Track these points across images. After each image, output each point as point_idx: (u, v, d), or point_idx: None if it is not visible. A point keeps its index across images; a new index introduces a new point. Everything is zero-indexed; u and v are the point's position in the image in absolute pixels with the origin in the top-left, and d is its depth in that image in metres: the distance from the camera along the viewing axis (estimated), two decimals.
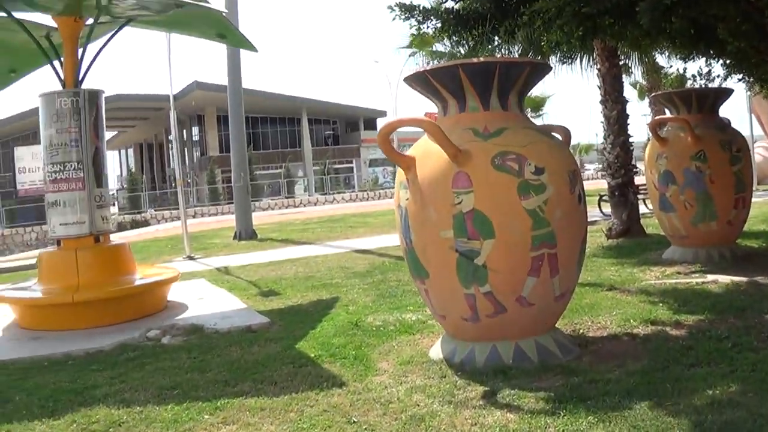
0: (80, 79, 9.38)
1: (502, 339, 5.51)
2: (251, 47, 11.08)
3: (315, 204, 45.72)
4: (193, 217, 40.00)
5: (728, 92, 10.22)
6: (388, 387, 5.22)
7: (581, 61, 15.62)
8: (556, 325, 6.02)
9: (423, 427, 4.39)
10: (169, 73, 18.92)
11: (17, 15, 9.11)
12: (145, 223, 38.91)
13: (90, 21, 9.36)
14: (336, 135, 67.88)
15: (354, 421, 4.60)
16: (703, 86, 11.40)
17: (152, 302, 9.19)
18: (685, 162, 9.54)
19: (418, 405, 4.77)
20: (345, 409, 4.85)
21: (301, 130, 64.48)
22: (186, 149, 67.60)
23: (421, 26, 10.70)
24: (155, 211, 45.05)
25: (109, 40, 9.87)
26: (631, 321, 6.64)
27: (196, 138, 66.05)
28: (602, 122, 13.31)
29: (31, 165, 34.45)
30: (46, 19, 9.64)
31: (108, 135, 75.81)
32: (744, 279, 8.11)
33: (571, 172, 5.51)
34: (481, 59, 5.79)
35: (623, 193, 13.00)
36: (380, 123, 67.31)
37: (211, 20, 10.12)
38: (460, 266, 5.33)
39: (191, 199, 54.16)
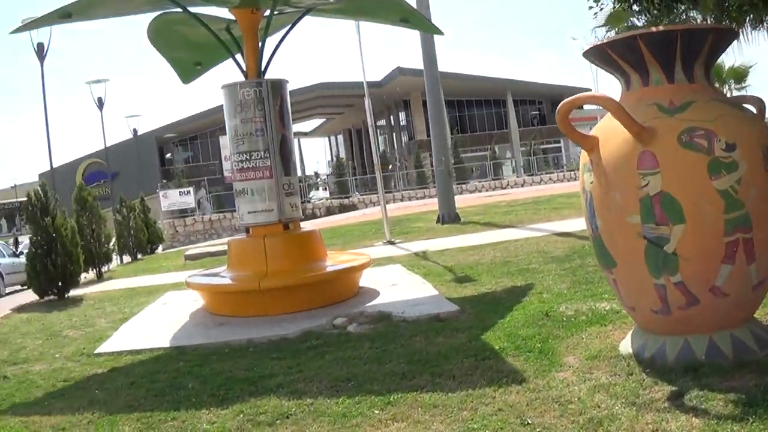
0: (263, 69, 9.66)
1: (694, 333, 5.01)
2: (436, 30, 10.97)
3: (522, 185, 44.94)
4: (401, 200, 40.81)
5: None
6: (570, 385, 4.93)
7: None
8: (754, 316, 5.39)
9: None
10: (360, 60, 19.20)
11: (197, 9, 9.51)
12: (353, 207, 40.07)
13: (267, 12, 9.59)
14: (542, 115, 66.38)
15: (528, 423, 4.38)
16: None
17: (342, 289, 9.36)
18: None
19: (599, 406, 4.44)
20: (521, 408, 4.62)
21: (507, 111, 63.74)
22: (394, 134, 69.10)
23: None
24: (361, 195, 46.19)
25: (290, 29, 10.14)
26: None
27: (403, 123, 67.22)
28: None
29: None
30: (225, 13, 10.00)
31: (316, 122, 79.90)
32: None
33: (765, 147, 4.87)
34: (661, 28, 5.26)
35: None
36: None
37: (392, 5, 10.07)
38: (648, 254, 4.90)
39: (398, 184, 55.21)
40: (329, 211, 39.93)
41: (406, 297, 9.03)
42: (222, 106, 9.77)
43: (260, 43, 9.69)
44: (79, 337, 9.11)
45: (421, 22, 11.08)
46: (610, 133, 5.08)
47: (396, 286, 9.94)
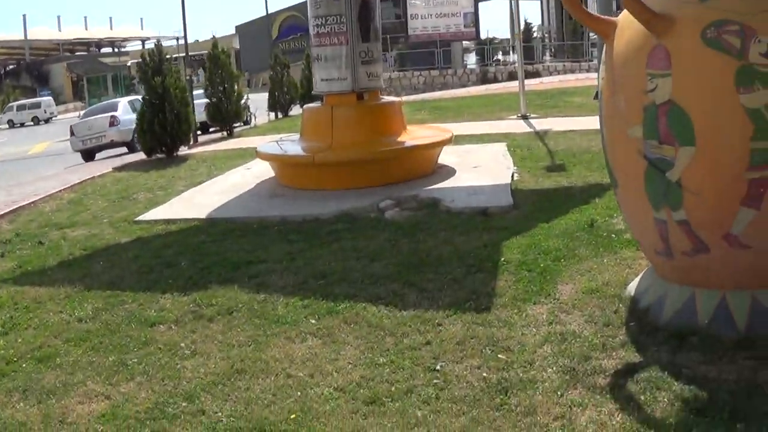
0: None
1: (704, 286, 3.90)
2: None
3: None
4: (587, 71, 38.16)
5: None
6: (528, 326, 4.09)
7: None
8: None
9: (499, 401, 3.25)
10: None
11: None
12: (536, 74, 37.94)
13: None
14: None
15: (434, 369, 3.61)
16: None
17: (415, 166, 8.61)
18: None
19: (529, 364, 3.57)
20: (449, 346, 3.87)
21: None
22: None
23: None
24: (550, 63, 43.18)
25: None
26: None
27: None
28: None
29: (422, 12, 35.15)
30: None
31: None
32: None
33: None
34: None
35: None
36: None
37: None
38: (648, 179, 3.80)
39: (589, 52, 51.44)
40: (510, 77, 38.04)
41: (476, 182, 8.12)
42: None
43: None
44: (144, 200, 9.03)
45: None
46: (630, 20, 3.86)
47: (477, 168, 9.00)
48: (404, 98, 17.09)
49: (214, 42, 17.78)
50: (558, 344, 3.77)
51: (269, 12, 53.00)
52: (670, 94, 3.59)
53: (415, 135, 9.20)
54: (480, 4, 41.04)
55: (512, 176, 8.45)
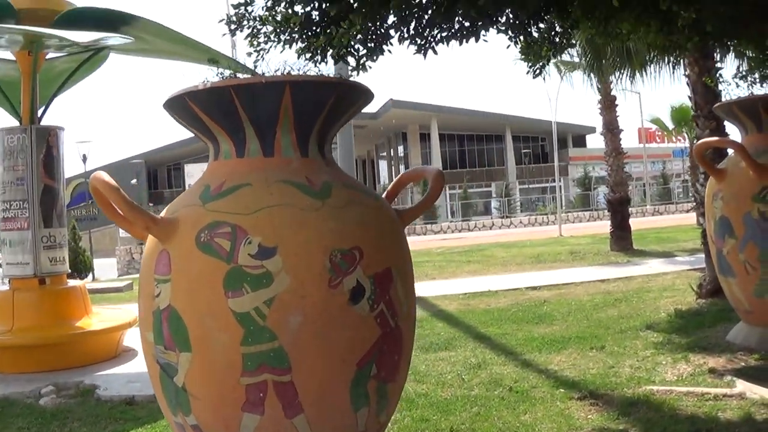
0: (39, 115, 8.87)
1: None
2: (248, 70, 9.85)
3: (495, 227, 42.73)
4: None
5: None
6: None
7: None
8: None
9: None
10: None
11: None
12: None
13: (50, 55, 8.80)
14: (536, 153, 64.88)
15: None
16: None
17: (96, 350, 8.47)
18: (746, 205, 6.84)
19: None
20: None
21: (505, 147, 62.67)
22: (393, 165, 68.31)
23: None
24: None
25: (71, 75, 9.29)
26: None
27: (401, 155, 66.37)
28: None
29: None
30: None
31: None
32: None
33: (335, 253, 3.55)
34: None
35: None
36: (590, 140, 63.87)
37: (196, 47, 9.07)
38: (163, 384, 3.70)
39: None
40: None
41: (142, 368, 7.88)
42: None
43: (35, 87, 8.79)
44: None
45: (229, 62, 10.09)
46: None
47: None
48: None
49: None
50: None
51: (66, 177, 51.64)
52: (170, 300, 3.54)
53: (100, 318, 9.03)
54: None
55: None
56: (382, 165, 69.85)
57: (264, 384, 3.44)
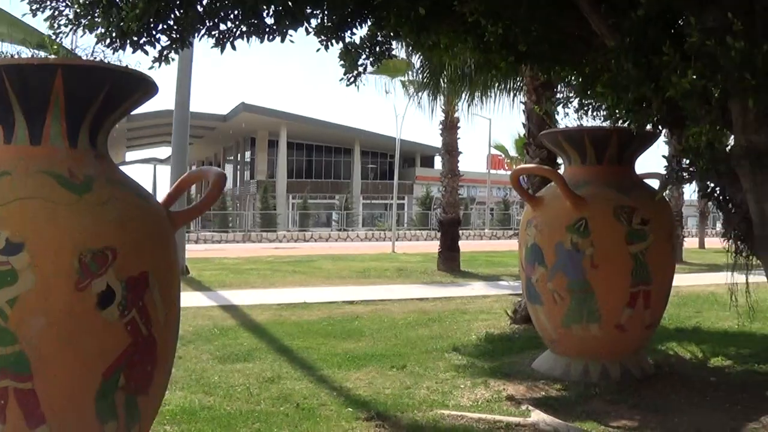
0: None
1: None
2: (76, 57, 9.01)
3: (332, 239, 42.27)
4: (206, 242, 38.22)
5: (648, 138, 6.91)
6: None
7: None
8: None
9: None
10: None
11: None
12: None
13: None
14: (384, 170, 65.33)
15: None
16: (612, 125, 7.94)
17: None
18: (559, 234, 6.70)
19: None
20: None
21: (352, 161, 62.73)
22: (239, 170, 66.93)
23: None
24: (202, 232, 41.61)
25: None
26: None
27: (248, 160, 65.09)
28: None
29: None
30: None
31: (166, 150, 76.75)
32: (582, 427, 5.30)
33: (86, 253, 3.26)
34: None
35: None
36: (437, 161, 65.05)
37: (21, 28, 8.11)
38: None
39: (245, 224, 51.91)
40: None
41: None
42: None
43: None
44: None
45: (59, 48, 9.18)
46: None
47: None
48: None
49: None
50: None
51: None
52: None
53: None
54: None
55: None
56: (228, 169, 68.15)
57: (5, 391, 3.12)
